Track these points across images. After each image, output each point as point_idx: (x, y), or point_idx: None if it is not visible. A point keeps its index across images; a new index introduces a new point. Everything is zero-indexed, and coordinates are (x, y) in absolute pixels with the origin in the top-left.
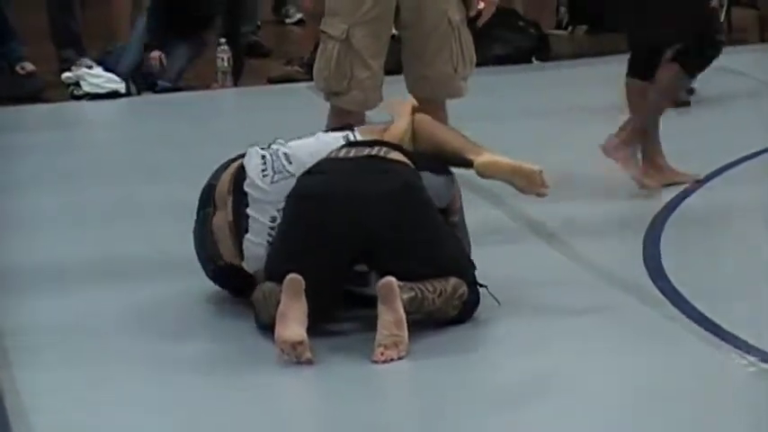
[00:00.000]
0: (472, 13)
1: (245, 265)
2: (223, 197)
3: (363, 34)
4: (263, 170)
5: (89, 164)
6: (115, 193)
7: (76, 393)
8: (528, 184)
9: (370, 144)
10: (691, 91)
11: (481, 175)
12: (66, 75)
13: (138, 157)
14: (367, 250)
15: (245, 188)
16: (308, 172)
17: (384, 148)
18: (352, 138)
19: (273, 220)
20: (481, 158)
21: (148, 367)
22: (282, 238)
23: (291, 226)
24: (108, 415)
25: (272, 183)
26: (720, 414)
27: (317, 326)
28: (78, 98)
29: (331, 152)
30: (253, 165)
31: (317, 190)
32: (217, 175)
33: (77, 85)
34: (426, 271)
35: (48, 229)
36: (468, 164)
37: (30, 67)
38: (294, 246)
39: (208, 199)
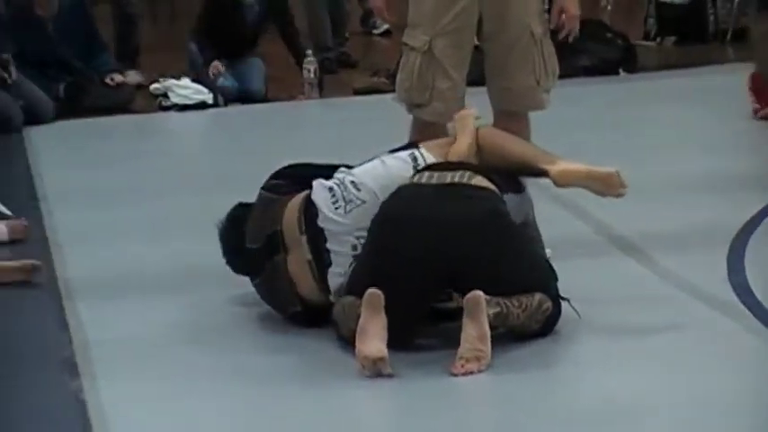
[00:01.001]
0: (553, 26)
1: (332, 298)
2: (295, 238)
3: (445, 45)
4: (335, 202)
5: (174, 174)
6: (197, 203)
7: (156, 405)
8: (605, 186)
9: (452, 167)
10: None
11: (558, 183)
12: (154, 86)
13: (221, 168)
14: (450, 276)
15: (320, 224)
16: (393, 196)
17: (468, 173)
18: (419, 158)
19: (354, 248)
20: (556, 167)
21: (231, 381)
22: (365, 260)
23: (374, 249)
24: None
25: (345, 213)
26: None
27: (398, 342)
28: (166, 109)
29: (414, 176)
30: (322, 198)
31: (403, 215)
32: (273, 217)
33: (165, 96)
34: (511, 290)
35: (131, 239)
36: (543, 173)
37: (119, 78)
38: (376, 268)
39: (276, 245)
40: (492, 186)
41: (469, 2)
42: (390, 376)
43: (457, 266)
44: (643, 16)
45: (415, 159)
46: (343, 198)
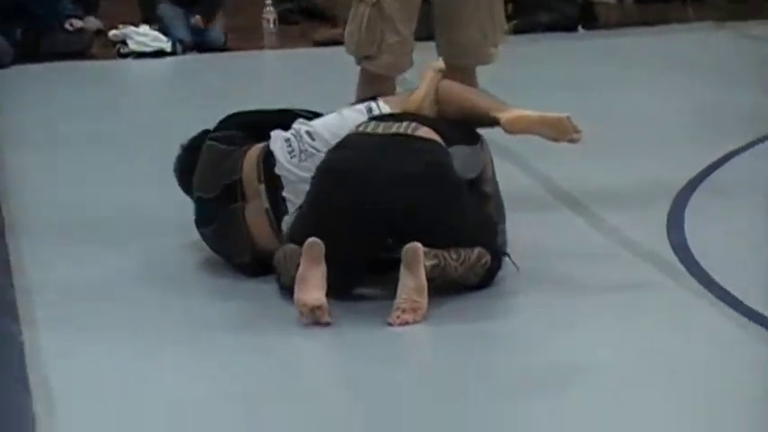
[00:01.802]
0: None
1: None
2: (253, 187)
3: None
4: (290, 152)
5: (130, 122)
6: (153, 150)
7: (96, 351)
8: (558, 132)
9: (399, 118)
10: None
11: (509, 131)
12: (113, 32)
13: (179, 116)
14: (391, 227)
15: (277, 172)
16: (337, 147)
17: (413, 124)
18: (375, 109)
19: None
20: (507, 114)
21: (172, 327)
22: (307, 209)
23: (317, 199)
24: (125, 373)
25: (300, 162)
26: (738, 388)
27: (337, 291)
28: (124, 56)
29: (359, 125)
30: (279, 148)
31: (344, 166)
32: (233, 167)
33: (124, 43)
34: (450, 243)
35: (84, 185)
36: (494, 122)
37: (78, 23)
38: (317, 217)
39: (234, 194)
40: (437, 138)
41: None
42: (328, 324)
43: (397, 217)
44: None
45: (370, 110)
46: (299, 148)
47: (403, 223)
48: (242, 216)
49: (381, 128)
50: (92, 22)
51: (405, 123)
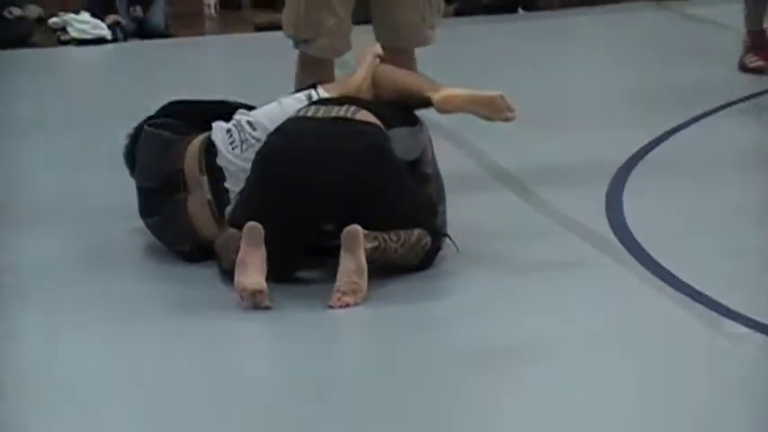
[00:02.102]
0: None
1: None
2: (195, 178)
3: None
4: (231, 142)
5: (69, 109)
6: (92, 138)
7: (39, 334)
8: (491, 110)
9: (339, 102)
10: None
11: (442, 110)
12: (52, 20)
13: (118, 104)
14: (329, 209)
15: (219, 163)
16: (276, 130)
17: (352, 108)
18: (315, 96)
19: None
20: (439, 94)
21: (111, 310)
22: (248, 195)
23: (257, 183)
24: (68, 356)
25: (242, 153)
26: (673, 362)
27: (277, 275)
28: (65, 43)
29: (299, 110)
30: (220, 138)
31: (282, 149)
32: (174, 157)
33: (64, 30)
34: (390, 225)
35: (22, 171)
36: (427, 102)
37: (17, 11)
38: (258, 203)
39: (177, 184)
40: (376, 121)
41: None
42: (268, 308)
43: (335, 199)
44: None
45: (310, 98)
46: (240, 138)
47: (341, 205)
48: (184, 207)
49: (321, 112)
50: (32, 10)
51: (344, 107)
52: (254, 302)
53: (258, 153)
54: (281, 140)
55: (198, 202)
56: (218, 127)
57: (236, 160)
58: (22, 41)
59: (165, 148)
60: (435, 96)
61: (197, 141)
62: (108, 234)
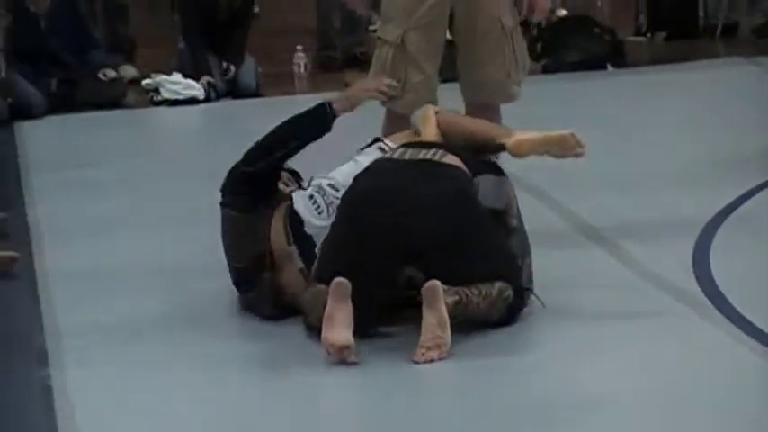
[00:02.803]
0: (523, 19)
1: None
2: (285, 252)
3: (418, 39)
4: (317, 208)
5: (163, 169)
6: (181, 197)
7: (124, 394)
8: (563, 149)
9: (427, 145)
10: None
11: (516, 154)
12: (145, 81)
13: (212, 163)
14: (414, 254)
15: (308, 231)
16: (363, 172)
17: (440, 151)
18: (385, 147)
19: None
20: (512, 138)
21: (200, 368)
22: (334, 237)
23: (342, 225)
24: (156, 415)
25: (329, 217)
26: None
27: (363, 330)
28: (158, 104)
29: (388, 152)
30: (303, 207)
31: (368, 192)
32: (260, 237)
33: (157, 91)
34: (473, 274)
35: (112, 231)
36: (500, 147)
37: (111, 74)
38: (344, 247)
39: (263, 264)
40: (463, 166)
41: None
42: (355, 364)
43: (420, 242)
44: (634, 12)
45: (383, 150)
46: (324, 202)
47: (426, 248)
48: (272, 283)
49: (409, 154)
50: (127, 71)
51: (432, 150)
52: (341, 358)
53: (344, 196)
54: (368, 182)
55: (291, 274)
56: (300, 196)
57: (326, 223)
58: (116, 103)
59: (246, 227)
60: (509, 141)
61: (279, 216)
62: (193, 293)
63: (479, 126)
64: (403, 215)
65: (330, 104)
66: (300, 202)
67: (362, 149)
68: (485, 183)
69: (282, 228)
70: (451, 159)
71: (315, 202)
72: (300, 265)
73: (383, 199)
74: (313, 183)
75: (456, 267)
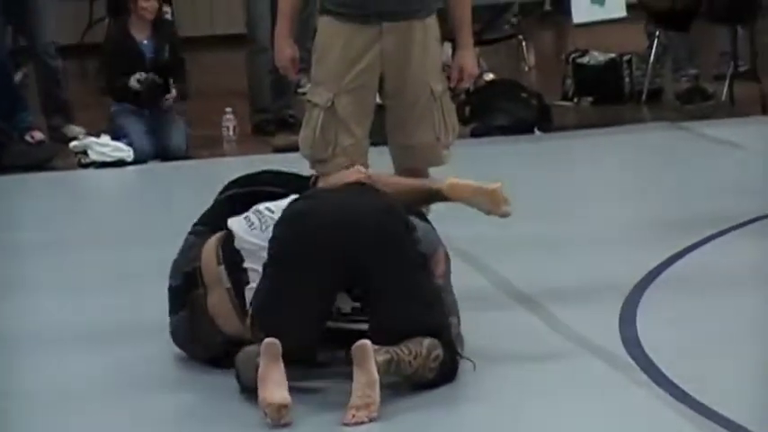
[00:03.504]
0: (452, 84)
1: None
2: (213, 273)
3: (348, 102)
4: (250, 225)
5: (90, 231)
6: (113, 259)
7: None
8: (491, 204)
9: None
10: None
11: (449, 197)
12: (73, 144)
13: (138, 224)
14: (353, 271)
15: (237, 246)
16: (295, 198)
17: (371, 187)
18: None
19: None
20: (446, 182)
21: (134, 427)
22: (269, 261)
23: (277, 246)
24: None
25: (261, 232)
26: None
27: (300, 363)
28: (86, 166)
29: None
30: (237, 225)
31: (303, 210)
32: (192, 256)
33: (85, 153)
34: (403, 306)
35: (44, 294)
36: (436, 192)
37: (39, 136)
38: (281, 268)
39: (195, 281)
40: (397, 203)
41: (371, 60)
42: (288, 425)
43: (359, 262)
44: (561, 77)
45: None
46: (259, 220)
47: (363, 270)
48: (204, 303)
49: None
50: (74, 130)
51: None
52: (278, 417)
53: (280, 217)
54: (302, 204)
55: (217, 296)
56: (234, 220)
57: (255, 239)
58: (44, 166)
59: (189, 249)
60: (444, 185)
61: (213, 237)
62: (130, 353)
63: (408, 179)
64: (342, 229)
65: (316, 180)
66: (235, 222)
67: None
68: (417, 224)
69: (214, 247)
70: (383, 192)
71: (249, 220)
72: (228, 284)
73: (321, 214)
74: (252, 207)
75: (392, 291)
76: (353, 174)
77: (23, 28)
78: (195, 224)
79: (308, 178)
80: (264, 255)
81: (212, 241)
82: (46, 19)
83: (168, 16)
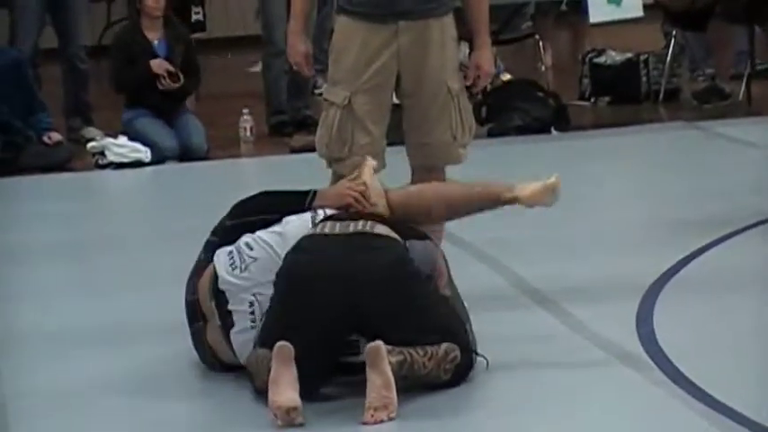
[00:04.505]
0: (469, 83)
1: (240, 360)
2: (208, 307)
3: (365, 101)
4: (231, 264)
5: (107, 232)
6: (129, 261)
7: None
8: (555, 197)
9: (355, 217)
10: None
11: (530, 204)
12: (91, 144)
13: (156, 225)
14: (359, 324)
15: (221, 287)
16: (295, 249)
17: (369, 222)
18: (319, 217)
19: (251, 304)
20: (521, 192)
21: (149, 428)
22: (275, 314)
23: (282, 305)
24: None
25: (241, 273)
26: None
27: (308, 393)
28: (103, 167)
29: (316, 225)
30: (221, 263)
31: (304, 270)
32: (192, 288)
33: (102, 154)
34: (418, 339)
35: (60, 296)
36: (509, 202)
37: (57, 137)
38: (286, 323)
39: (194, 314)
40: (394, 235)
41: (388, 59)
42: (302, 425)
43: (365, 316)
44: (578, 77)
45: (315, 211)
46: (240, 259)
47: (371, 319)
48: (204, 335)
49: (338, 227)
50: (92, 132)
51: (361, 222)
52: (289, 420)
53: (278, 274)
54: (302, 259)
55: (214, 330)
56: (221, 252)
57: (236, 280)
58: (62, 166)
59: (194, 272)
60: (520, 195)
61: (208, 270)
62: (138, 356)
63: (480, 190)
64: (344, 294)
65: (314, 196)
66: (220, 257)
67: (292, 215)
68: (413, 247)
69: (207, 283)
70: (382, 229)
71: (231, 258)
72: (218, 322)
73: (320, 272)
74: (239, 240)
75: (398, 332)
76: (346, 195)
77: (61, 29)
78: (213, 231)
79: (305, 194)
80: (245, 297)
81: (206, 276)
82: (81, 22)
83: (200, 17)
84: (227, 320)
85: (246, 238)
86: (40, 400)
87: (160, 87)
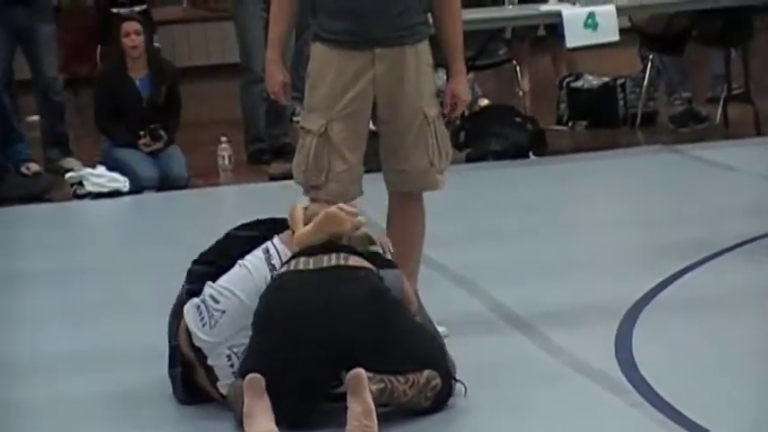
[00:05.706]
0: (445, 111)
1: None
2: (190, 356)
3: (341, 129)
4: (201, 319)
5: (87, 261)
6: (109, 289)
7: None
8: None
9: (326, 250)
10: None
11: None
12: (69, 175)
13: (135, 254)
14: (342, 358)
15: (196, 344)
16: (272, 288)
17: (342, 254)
18: (270, 248)
19: (229, 358)
20: None
21: None
22: (255, 351)
23: (262, 344)
24: None
25: (211, 329)
26: None
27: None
28: (81, 197)
29: (288, 262)
30: (191, 319)
31: (284, 309)
32: (173, 332)
33: (80, 184)
34: (400, 368)
35: (41, 323)
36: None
37: (35, 167)
38: (269, 363)
39: (175, 360)
40: (368, 265)
41: (364, 86)
42: None
43: (348, 349)
44: (556, 102)
45: (267, 251)
46: (208, 314)
47: (352, 351)
48: (183, 379)
49: (312, 263)
50: (71, 163)
51: (334, 255)
52: None
53: (257, 314)
54: (280, 296)
55: (202, 378)
56: (190, 305)
57: (208, 338)
58: (40, 197)
59: (173, 317)
60: None
61: (184, 322)
62: (125, 382)
63: None
64: (323, 328)
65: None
66: (190, 312)
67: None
68: (386, 277)
69: (184, 334)
70: (354, 260)
71: (200, 313)
72: (204, 372)
73: (299, 309)
74: (204, 290)
75: (382, 364)
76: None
77: (31, 61)
78: (194, 261)
79: (284, 221)
80: (222, 351)
81: (183, 326)
82: (50, 54)
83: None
84: (210, 374)
85: (210, 289)
86: (24, 425)
87: (143, 150)
